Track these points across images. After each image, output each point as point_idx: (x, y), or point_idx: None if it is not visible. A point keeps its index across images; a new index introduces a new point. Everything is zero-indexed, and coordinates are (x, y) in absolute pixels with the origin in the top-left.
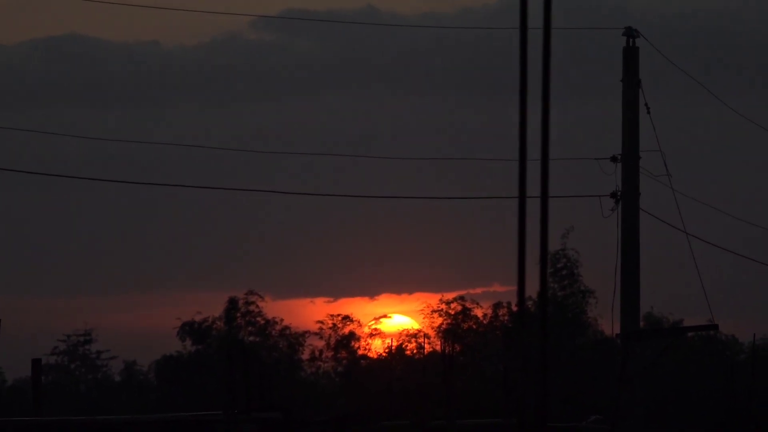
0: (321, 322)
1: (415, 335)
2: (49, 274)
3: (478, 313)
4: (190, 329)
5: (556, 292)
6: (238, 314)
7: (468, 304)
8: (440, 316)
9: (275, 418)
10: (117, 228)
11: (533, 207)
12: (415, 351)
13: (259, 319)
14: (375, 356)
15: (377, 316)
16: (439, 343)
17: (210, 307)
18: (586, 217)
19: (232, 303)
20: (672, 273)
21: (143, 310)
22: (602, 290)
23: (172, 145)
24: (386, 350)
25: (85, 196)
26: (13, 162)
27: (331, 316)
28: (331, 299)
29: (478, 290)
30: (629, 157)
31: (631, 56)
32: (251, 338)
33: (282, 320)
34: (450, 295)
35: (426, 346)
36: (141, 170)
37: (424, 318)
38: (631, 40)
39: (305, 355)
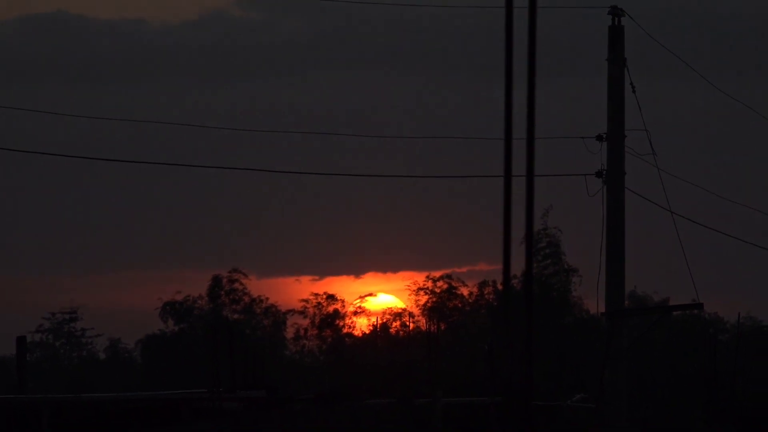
0: (305, 300)
1: (399, 314)
2: (34, 252)
3: (464, 291)
4: (172, 309)
5: (542, 272)
6: (222, 292)
7: (454, 283)
8: (426, 294)
9: (260, 396)
10: (103, 206)
11: (519, 186)
12: (399, 329)
13: (244, 297)
14: (360, 334)
15: (362, 295)
16: (423, 321)
17: (196, 285)
18: (571, 197)
19: (216, 281)
20: (657, 252)
21: (128, 288)
22: (587, 269)
23: (158, 123)
24: (370, 328)
25: (71, 174)
26: None
27: (315, 294)
28: (317, 278)
29: (464, 269)
30: (614, 136)
31: (616, 35)
32: (236, 316)
33: (267, 299)
34: (436, 274)
35: (410, 324)
36: (126, 148)
37: (409, 295)
38: (616, 19)
39: (289, 334)
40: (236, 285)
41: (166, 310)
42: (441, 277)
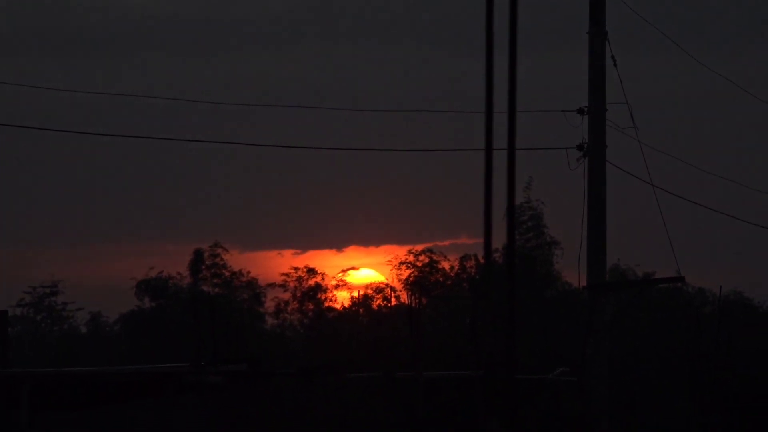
0: (286, 274)
1: (381, 289)
2: (14, 224)
3: (446, 265)
4: (147, 287)
5: (524, 245)
6: (204, 267)
7: (435, 257)
8: (408, 268)
9: (242, 370)
10: (83, 179)
11: (500, 159)
12: (381, 304)
13: (224, 271)
14: (341, 308)
15: (344, 269)
16: (405, 295)
17: (177, 259)
18: (552, 170)
19: (198, 255)
20: (638, 225)
21: (109, 261)
22: (568, 243)
23: (140, 97)
24: (351, 302)
25: (52, 147)
26: None
27: (296, 269)
28: (299, 251)
29: (446, 242)
30: (596, 110)
31: (597, 8)
32: (216, 290)
33: (249, 273)
34: (418, 248)
35: (392, 299)
36: (108, 121)
37: (391, 270)
38: None
39: (270, 307)
40: (217, 260)
41: (141, 288)
42: (423, 251)
